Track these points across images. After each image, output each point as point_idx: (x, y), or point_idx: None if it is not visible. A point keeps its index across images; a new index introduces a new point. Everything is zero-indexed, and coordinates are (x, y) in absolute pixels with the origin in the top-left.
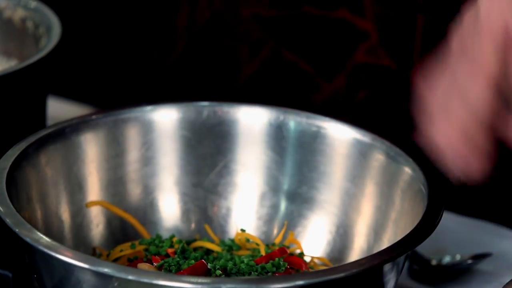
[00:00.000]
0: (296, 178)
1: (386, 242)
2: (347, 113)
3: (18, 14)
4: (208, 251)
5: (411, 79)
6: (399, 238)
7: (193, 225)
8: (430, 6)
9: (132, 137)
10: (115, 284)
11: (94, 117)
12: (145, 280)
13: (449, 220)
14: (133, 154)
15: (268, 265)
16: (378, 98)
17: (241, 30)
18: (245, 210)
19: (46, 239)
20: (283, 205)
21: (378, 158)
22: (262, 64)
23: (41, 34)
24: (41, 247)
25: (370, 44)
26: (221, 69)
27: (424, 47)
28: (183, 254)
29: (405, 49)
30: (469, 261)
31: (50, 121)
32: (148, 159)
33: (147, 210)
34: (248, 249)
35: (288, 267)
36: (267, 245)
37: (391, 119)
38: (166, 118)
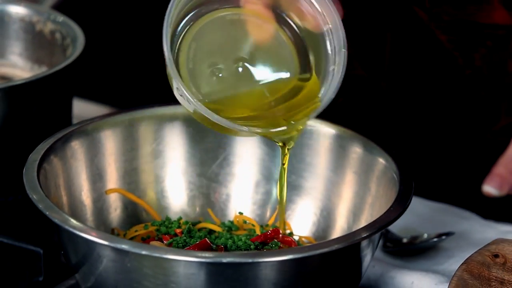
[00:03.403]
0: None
1: (363, 222)
2: (328, 114)
3: (48, 27)
4: (211, 231)
5: (381, 86)
6: (374, 219)
7: (197, 209)
8: (397, 25)
9: (145, 133)
10: (131, 258)
11: (112, 116)
12: (157, 254)
13: (417, 204)
14: (146, 148)
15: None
16: (354, 102)
17: None
18: (242, 196)
19: (72, 220)
20: (275, 191)
21: (356, 151)
22: None
23: (68, 44)
24: (68, 227)
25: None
26: None
27: (392, 60)
28: (189, 234)
29: (376, 62)
30: (435, 239)
31: (75, 119)
32: (158, 153)
33: (158, 196)
34: (245, 230)
35: (279, 245)
36: (261, 226)
37: (365, 118)
38: (174, 117)
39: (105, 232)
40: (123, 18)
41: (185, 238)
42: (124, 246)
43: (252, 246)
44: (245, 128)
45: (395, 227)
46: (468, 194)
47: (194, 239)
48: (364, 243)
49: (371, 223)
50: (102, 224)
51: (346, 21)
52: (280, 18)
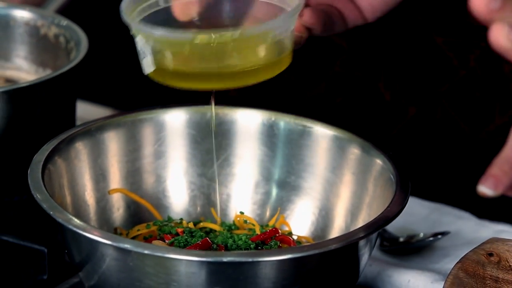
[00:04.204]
0: (285, 169)
1: (361, 222)
2: (327, 114)
3: (53, 31)
4: (211, 231)
5: (378, 87)
6: (372, 219)
7: (198, 209)
8: (393, 27)
9: (147, 134)
10: (134, 257)
11: (115, 117)
12: (159, 254)
13: (414, 204)
14: (148, 149)
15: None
16: (352, 102)
17: None
18: (242, 196)
19: (76, 220)
20: (274, 192)
21: (354, 152)
22: None
23: (72, 47)
24: (71, 227)
25: (345, 58)
26: None
27: (389, 62)
28: (190, 233)
29: (373, 63)
30: (431, 238)
31: (78, 121)
32: (160, 153)
33: (160, 196)
34: (245, 229)
35: (279, 244)
36: (261, 226)
37: (362, 119)
38: (175, 119)
39: (108, 232)
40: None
41: (186, 237)
42: (127, 246)
43: (252, 246)
44: (188, 35)
45: (392, 227)
46: (463, 194)
47: (195, 238)
48: (361, 243)
49: (368, 223)
50: (105, 223)
51: None
52: None
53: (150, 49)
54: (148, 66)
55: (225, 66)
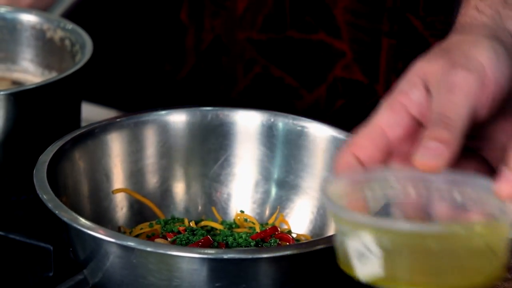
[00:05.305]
0: (284, 168)
1: None
2: (327, 119)
3: (58, 34)
4: (212, 229)
5: (378, 90)
6: None
7: (200, 208)
8: (393, 32)
9: (150, 136)
10: (137, 254)
11: (119, 119)
12: (161, 251)
13: None
14: (150, 150)
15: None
16: (352, 106)
17: (237, 51)
18: (242, 195)
19: (80, 219)
20: (273, 191)
21: None
22: (254, 79)
23: (77, 51)
24: (76, 225)
25: (345, 62)
26: (221, 82)
27: (388, 65)
28: (192, 232)
29: (374, 66)
30: None
31: (83, 122)
32: (163, 154)
33: (162, 196)
34: (245, 227)
35: (278, 242)
36: (261, 224)
37: (361, 121)
38: (177, 120)
39: (112, 230)
40: (129, 27)
41: (188, 235)
42: (130, 243)
43: (252, 243)
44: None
45: None
46: None
47: (197, 236)
48: None
49: None
50: (109, 222)
51: (346, 26)
52: None
53: (380, 249)
54: (372, 270)
55: (464, 269)
